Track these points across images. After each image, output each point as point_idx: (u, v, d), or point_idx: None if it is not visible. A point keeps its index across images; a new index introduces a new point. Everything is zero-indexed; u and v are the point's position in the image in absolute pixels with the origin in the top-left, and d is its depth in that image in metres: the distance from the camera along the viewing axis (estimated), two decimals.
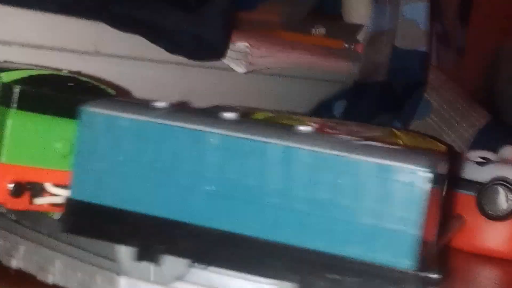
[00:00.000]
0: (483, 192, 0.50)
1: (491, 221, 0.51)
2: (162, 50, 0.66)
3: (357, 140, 0.33)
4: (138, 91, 0.65)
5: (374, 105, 0.91)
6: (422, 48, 0.90)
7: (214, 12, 0.64)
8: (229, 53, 0.69)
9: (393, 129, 0.58)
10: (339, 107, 0.91)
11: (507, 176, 0.51)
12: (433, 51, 1.11)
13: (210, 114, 0.34)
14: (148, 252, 0.29)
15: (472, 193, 0.51)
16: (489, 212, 0.50)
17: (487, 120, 1.02)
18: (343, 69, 0.88)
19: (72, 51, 0.62)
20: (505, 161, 0.54)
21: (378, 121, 0.88)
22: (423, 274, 0.31)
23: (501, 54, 1.51)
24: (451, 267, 0.51)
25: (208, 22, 0.64)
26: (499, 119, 1.14)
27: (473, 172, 0.53)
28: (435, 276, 0.31)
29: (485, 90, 1.50)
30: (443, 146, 0.62)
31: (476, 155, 0.55)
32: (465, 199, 0.51)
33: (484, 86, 1.52)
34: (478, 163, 0.54)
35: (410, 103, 0.93)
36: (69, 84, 0.40)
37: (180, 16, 0.64)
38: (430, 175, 0.31)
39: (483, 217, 0.51)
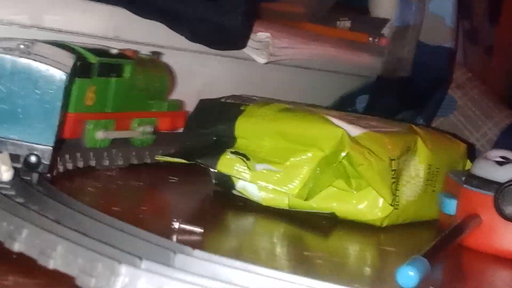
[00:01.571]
0: (501, 192, 0.49)
1: (508, 222, 0.50)
2: (183, 38, 0.66)
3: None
4: None
5: (397, 101, 0.90)
6: (448, 44, 0.89)
7: (236, 1, 0.64)
8: (251, 43, 0.68)
9: (412, 125, 0.58)
10: (361, 102, 0.90)
11: None
12: (460, 49, 1.09)
13: None
14: None
15: (490, 193, 0.50)
16: (507, 213, 0.49)
17: (508, 118, 1.00)
18: (366, 63, 0.87)
19: (90, 35, 0.62)
20: None
21: (401, 117, 0.87)
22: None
23: None
24: (465, 266, 0.50)
25: (229, 11, 0.63)
26: None
27: (492, 172, 0.52)
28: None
29: None
30: (463, 144, 0.61)
31: (496, 154, 0.54)
32: (483, 198, 0.50)
33: None
34: (498, 163, 0.53)
35: (434, 99, 0.92)
36: None
37: (201, 4, 0.63)
38: (64, 73, 0.41)
39: (500, 218, 0.50)
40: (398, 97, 0.90)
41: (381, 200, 0.51)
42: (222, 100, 0.56)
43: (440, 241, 0.45)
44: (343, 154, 0.49)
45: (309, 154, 0.50)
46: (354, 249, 0.50)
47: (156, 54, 0.62)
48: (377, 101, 0.89)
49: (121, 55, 0.56)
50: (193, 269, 0.31)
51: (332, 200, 0.52)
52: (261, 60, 0.70)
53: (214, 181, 0.54)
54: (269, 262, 0.39)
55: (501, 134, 0.94)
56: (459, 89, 1.01)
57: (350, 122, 0.52)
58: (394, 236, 0.52)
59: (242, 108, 0.53)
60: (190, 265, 0.31)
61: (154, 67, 0.61)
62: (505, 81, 1.50)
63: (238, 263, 0.32)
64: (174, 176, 0.57)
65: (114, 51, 0.56)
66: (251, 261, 0.33)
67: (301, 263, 0.41)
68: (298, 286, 0.32)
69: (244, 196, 0.53)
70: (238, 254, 0.38)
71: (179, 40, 0.65)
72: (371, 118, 0.59)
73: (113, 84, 0.56)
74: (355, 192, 0.51)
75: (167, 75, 0.63)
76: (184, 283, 0.29)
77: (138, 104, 0.59)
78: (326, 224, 0.52)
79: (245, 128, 0.52)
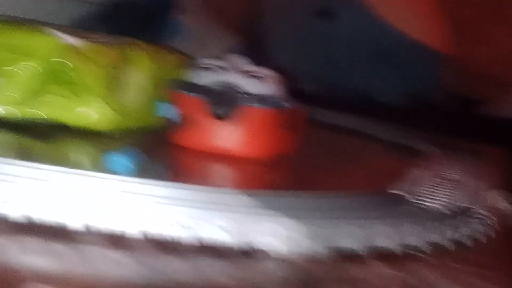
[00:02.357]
0: (210, 94, 0.55)
1: (217, 121, 0.55)
2: None
3: None
4: None
5: (128, 27, 0.93)
6: None
7: None
8: None
9: (133, 39, 0.61)
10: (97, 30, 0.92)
11: (232, 80, 0.56)
12: None
13: None
14: None
15: (201, 95, 0.55)
16: (216, 112, 0.55)
17: (236, 42, 1.08)
18: None
19: None
20: (232, 67, 0.58)
21: None
22: None
23: None
24: (182, 161, 0.55)
25: None
26: (248, 42, 1.21)
27: (203, 77, 0.57)
28: None
29: (246, 20, 1.57)
30: (182, 56, 0.66)
31: (207, 62, 0.59)
32: (195, 101, 0.55)
33: (245, 16, 1.58)
34: (207, 69, 0.58)
35: (161, 24, 0.96)
36: None
37: None
38: None
39: (210, 118, 0.55)
40: (129, 23, 0.93)
41: (102, 106, 0.54)
42: None
43: (153, 135, 0.49)
44: (62, 61, 0.52)
45: (28, 63, 0.52)
46: (80, 152, 0.53)
47: None
48: (110, 28, 0.91)
49: None
50: None
51: (56, 109, 0.54)
52: None
53: None
54: None
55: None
56: (186, 15, 1.06)
57: (69, 33, 0.55)
58: (119, 141, 0.56)
59: None
60: None
61: None
62: (238, 11, 1.58)
63: None
64: None
65: None
66: None
67: None
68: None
69: None
70: None
71: None
72: (94, 33, 0.61)
73: None
74: (75, 98, 0.54)
75: None
76: None
77: None
78: (51, 132, 0.55)
79: None
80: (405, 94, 1.46)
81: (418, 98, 1.47)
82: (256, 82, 0.57)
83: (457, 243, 0.40)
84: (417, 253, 0.38)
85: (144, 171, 0.44)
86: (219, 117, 0.55)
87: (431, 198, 0.47)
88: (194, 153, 0.55)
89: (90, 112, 0.54)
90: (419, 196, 0.47)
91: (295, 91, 0.65)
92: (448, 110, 1.52)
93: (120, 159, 0.42)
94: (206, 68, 0.58)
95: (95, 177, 0.35)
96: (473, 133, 1.10)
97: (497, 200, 0.53)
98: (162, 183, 0.37)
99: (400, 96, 1.45)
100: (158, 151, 0.54)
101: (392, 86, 1.46)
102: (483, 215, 0.45)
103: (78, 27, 0.90)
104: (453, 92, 1.56)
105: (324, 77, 1.49)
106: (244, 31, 1.39)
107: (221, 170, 0.55)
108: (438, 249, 0.39)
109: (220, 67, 0.58)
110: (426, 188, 0.50)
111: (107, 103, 0.54)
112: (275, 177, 0.53)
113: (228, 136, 0.55)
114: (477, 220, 0.44)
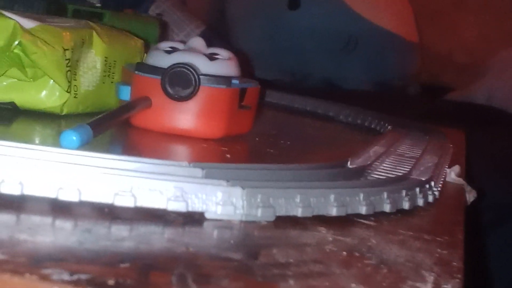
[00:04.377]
0: (167, 75, 0.55)
1: (174, 102, 0.55)
2: None
3: None
4: None
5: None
6: None
7: None
8: None
9: (89, 22, 0.61)
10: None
11: (190, 62, 0.56)
12: None
13: None
14: None
15: (158, 77, 0.55)
16: (172, 93, 0.55)
17: (201, 29, 1.08)
18: None
19: None
20: (191, 50, 0.59)
21: None
22: None
23: None
24: (141, 143, 0.56)
25: None
26: (213, 28, 1.21)
27: (161, 59, 0.57)
28: None
29: (215, 10, 1.57)
30: (140, 40, 0.66)
31: (166, 45, 0.59)
32: (152, 82, 0.56)
33: (213, 6, 1.59)
34: (166, 52, 0.58)
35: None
36: None
37: None
38: None
39: (167, 98, 0.55)
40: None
41: (58, 88, 0.55)
42: None
43: (107, 115, 0.49)
44: (16, 43, 0.52)
45: None
46: (36, 131, 0.54)
47: None
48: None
49: None
50: None
51: (12, 91, 0.54)
52: None
53: None
54: None
55: None
56: (152, 3, 1.06)
57: (24, 16, 0.55)
58: (75, 123, 0.56)
59: None
60: None
61: None
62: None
63: None
64: None
65: None
66: None
67: None
68: None
69: None
70: None
71: None
72: (48, 16, 0.62)
73: None
74: (32, 81, 0.54)
75: None
76: None
77: None
78: (8, 114, 0.55)
79: None
80: (371, 81, 1.48)
81: (383, 84, 1.48)
82: (213, 63, 0.57)
83: (403, 211, 0.41)
84: (362, 220, 0.38)
85: (94, 147, 0.45)
86: (175, 98, 0.55)
87: (384, 171, 0.48)
88: (151, 133, 0.56)
89: (47, 96, 0.54)
90: (373, 169, 0.48)
91: (261, 80, 0.65)
92: (412, 95, 1.53)
93: (71, 135, 0.42)
94: (164, 51, 0.58)
95: (42, 150, 0.36)
96: (435, 116, 1.11)
97: (449, 174, 0.54)
98: (109, 155, 0.37)
99: (365, 83, 1.47)
100: (114, 131, 0.54)
101: (358, 74, 1.47)
102: (431, 186, 0.46)
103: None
104: (417, 79, 1.57)
105: (291, 66, 1.50)
106: (212, 21, 1.40)
107: (175, 147, 0.55)
108: (383, 216, 0.39)
109: (178, 50, 0.59)
110: (380, 163, 0.51)
111: (61, 85, 0.54)
112: (229, 153, 0.54)
113: (184, 116, 0.56)
114: (424, 191, 0.44)
